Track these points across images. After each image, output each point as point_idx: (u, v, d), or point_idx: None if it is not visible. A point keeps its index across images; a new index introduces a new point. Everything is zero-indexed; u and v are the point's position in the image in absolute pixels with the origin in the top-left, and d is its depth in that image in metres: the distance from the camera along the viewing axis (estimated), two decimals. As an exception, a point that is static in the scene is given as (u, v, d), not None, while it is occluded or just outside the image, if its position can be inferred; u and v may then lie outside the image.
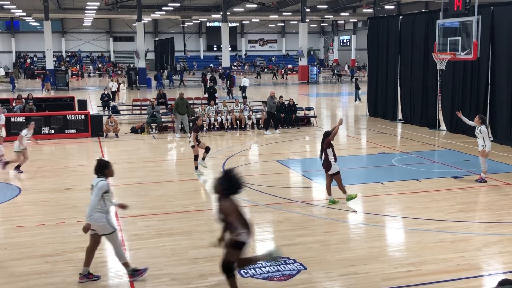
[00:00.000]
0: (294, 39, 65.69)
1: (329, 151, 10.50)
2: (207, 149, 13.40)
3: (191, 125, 15.05)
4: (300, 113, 22.36)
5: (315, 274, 7.30)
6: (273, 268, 7.45)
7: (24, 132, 14.17)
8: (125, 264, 7.19)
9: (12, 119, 18.77)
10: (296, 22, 56.54)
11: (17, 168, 13.85)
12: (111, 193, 7.28)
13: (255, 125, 21.05)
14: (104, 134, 19.28)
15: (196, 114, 18.60)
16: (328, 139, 10.51)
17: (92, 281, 7.08)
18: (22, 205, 10.84)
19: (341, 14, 58.67)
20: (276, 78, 49.17)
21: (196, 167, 13.38)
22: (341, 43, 75.77)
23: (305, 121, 22.07)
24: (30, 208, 10.59)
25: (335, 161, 10.51)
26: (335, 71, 53.26)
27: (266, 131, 19.89)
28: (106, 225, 7.05)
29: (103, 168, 7.27)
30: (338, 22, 72.50)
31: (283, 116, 21.05)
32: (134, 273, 7.14)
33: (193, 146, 13.28)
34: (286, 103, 21.85)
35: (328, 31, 79.24)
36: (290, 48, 75.91)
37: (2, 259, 7.88)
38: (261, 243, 8.70)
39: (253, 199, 11.00)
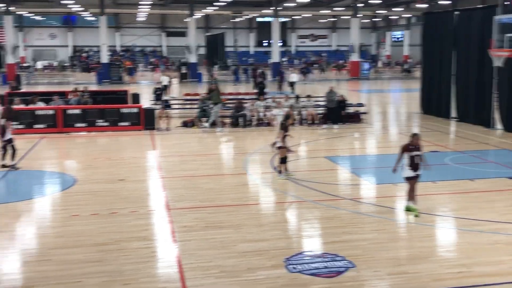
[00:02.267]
0: (345, 35, 64.93)
1: (407, 155, 9.80)
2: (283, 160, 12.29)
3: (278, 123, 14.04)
4: (350, 110, 22.13)
5: (364, 272, 7.26)
6: (321, 264, 7.45)
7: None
8: None
9: (69, 111, 19.40)
10: (348, 17, 55.89)
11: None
12: None
13: (303, 121, 20.97)
14: (158, 127, 19.66)
15: (287, 112, 16.37)
16: (405, 144, 9.84)
17: None
18: (77, 194, 11.20)
19: (394, 9, 57.60)
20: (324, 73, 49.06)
21: (280, 171, 12.41)
22: (394, 39, 74.41)
23: (355, 118, 21.82)
24: (85, 198, 10.93)
25: (413, 167, 9.68)
26: (405, 67, 52.75)
27: (324, 125, 19.98)
28: None
29: None
30: (391, 17, 71.19)
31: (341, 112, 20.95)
32: None
33: (280, 147, 12.26)
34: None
35: (380, 26, 77.94)
36: (341, 43, 75.13)
37: (58, 247, 8.19)
38: (309, 239, 8.71)
39: (301, 195, 11.00)
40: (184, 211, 9.95)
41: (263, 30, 72.91)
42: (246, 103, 21.89)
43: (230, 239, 8.47)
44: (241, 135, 19.10)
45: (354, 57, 48.25)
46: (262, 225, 9.20)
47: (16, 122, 13.94)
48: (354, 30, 47.58)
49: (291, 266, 7.37)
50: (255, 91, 28.49)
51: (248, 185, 12.32)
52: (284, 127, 12.39)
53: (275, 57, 47.51)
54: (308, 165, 14.42)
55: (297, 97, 22.52)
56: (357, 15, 47.16)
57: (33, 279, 7.03)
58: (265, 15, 64.06)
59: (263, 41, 74.83)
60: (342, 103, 21.09)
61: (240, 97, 25.10)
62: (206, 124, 19.67)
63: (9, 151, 13.49)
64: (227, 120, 20.87)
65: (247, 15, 65.77)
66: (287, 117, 13.45)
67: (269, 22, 53.90)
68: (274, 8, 46.86)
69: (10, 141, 13.40)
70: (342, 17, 68.63)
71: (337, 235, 8.67)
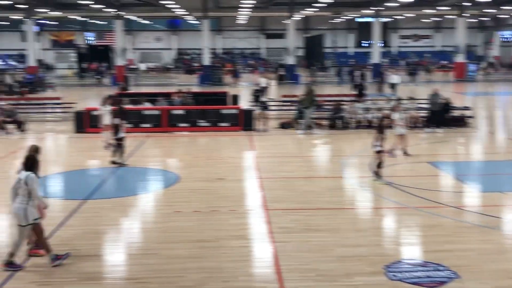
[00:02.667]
0: (450, 35, 62.26)
1: None
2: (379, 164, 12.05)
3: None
4: (455, 113, 21.19)
5: (469, 284, 6.92)
6: (423, 273, 7.20)
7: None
8: (11, 254, 7.46)
9: (173, 112, 20.20)
10: (453, 17, 53.59)
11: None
12: (39, 186, 7.61)
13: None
14: (256, 128, 19.94)
15: (381, 114, 16.36)
16: None
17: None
18: (180, 192, 11.62)
19: (503, 7, 54.39)
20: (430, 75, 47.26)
21: (378, 174, 12.14)
22: (503, 39, 70.28)
23: (461, 122, 20.84)
24: (187, 195, 11.33)
25: None
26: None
27: (427, 129, 19.36)
28: (24, 217, 7.41)
29: (34, 164, 7.63)
30: (499, 16, 67.29)
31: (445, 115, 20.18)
32: (10, 265, 7.41)
33: (379, 151, 11.94)
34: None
35: (488, 26, 73.93)
36: (446, 44, 72.14)
37: (162, 241, 8.55)
38: (410, 247, 8.44)
39: (403, 201, 10.70)
40: (281, 212, 10.02)
41: (363, 31, 71.63)
42: (344, 104, 21.65)
43: (328, 242, 8.41)
44: (339, 137, 18.90)
45: (460, 58, 46.15)
46: (360, 230, 9.05)
47: (125, 121, 14.89)
48: (460, 30, 45.55)
49: (391, 273, 7.19)
50: (354, 92, 28.11)
51: (345, 189, 12.18)
52: (381, 130, 12.07)
53: (375, 58, 46.58)
54: (409, 170, 13.98)
55: (399, 99, 21.91)
56: (463, 15, 45.06)
57: (139, 271, 7.39)
58: (365, 15, 62.95)
59: (363, 42, 73.58)
60: (447, 106, 20.26)
61: (338, 98, 24.87)
62: (299, 131, 19.49)
63: (119, 149, 14.27)
64: (324, 122, 20.74)
65: (347, 16, 64.92)
66: (383, 118, 13.11)
67: (369, 23, 52.92)
68: (375, 8, 45.96)
69: (121, 139, 14.19)
70: (447, 17, 65.89)
71: (439, 244, 8.33)
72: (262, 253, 8.13)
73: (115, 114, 14.65)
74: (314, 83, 40.31)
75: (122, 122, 14.27)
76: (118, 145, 14.18)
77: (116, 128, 14.22)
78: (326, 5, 47.31)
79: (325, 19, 70.10)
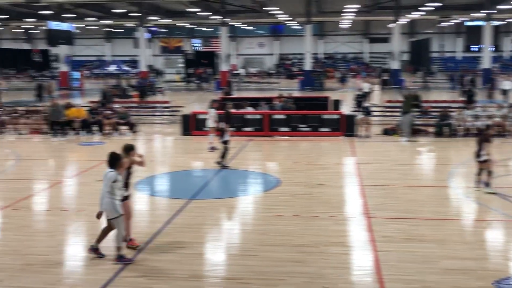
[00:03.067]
0: None
1: None
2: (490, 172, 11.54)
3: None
4: None
5: None
6: (538, 292, 6.74)
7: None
8: (118, 248, 7.88)
9: (274, 116, 20.43)
10: None
11: None
12: (119, 183, 7.92)
13: (518, 133, 19.19)
14: (358, 134, 19.67)
15: (487, 123, 15.91)
16: None
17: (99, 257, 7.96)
18: (280, 195, 11.72)
19: None
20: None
21: (487, 184, 11.56)
22: None
23: None
24: (288, 199, 11.40)
25: None
26: None
27: None
28: (112, 210, 7.80)
29: (115, 161, 7.90)
30: None
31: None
32: (120, 259, 7.82)
33: (485, 161, 11.48)
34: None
35: None
36: None
37: (263, 243, 8.67)
38: (523, 263, 7.94)
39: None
40: (384, 220, 9.80)
41: (472, 35, 68.18)
42: (452, 111, 20.76)
43: (433, 254, 8.10)
44: (446, 145, 18.15)
45: None
46: (467, 243, 8.64)
47: (230, 125, 15.41)
48: None
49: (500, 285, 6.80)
50: (463, 99, 26.89)
51: (452, 199, 11.67)
52: (486, 139, 11.52)
53: (485, 63, 44.26)
54: (522, 182, 13.14)
55: (511, 106, 20.69)
56: None
57: (240, 272, 7.55)
58: (475, 19, 60.07)
59: (472, 46, 70.13)
60: None
61: (445, 105, 23.91)
62: (402, 139, 18.89)
63: (223, 152, 14.67)
64: (431, 129, 20.01)
65: (455, 19, 62.24)
66: (488, 127, 12.51)
67: (479, 26, 50.35)
68: (486, 11, 43.67)
69: (226, 142, 14.59)
70: None
71: (557, 262, 7.76)
72: (363, 261, 8.00)
73: (221, 118, 15.09)
74: (422, 88, 39.02)
75: (227, 126, 14.68)
76: (224, 148, 14.59)
77: (222, 132, 14.68)
78: (433, 8, 45.70)
79: (432, 23, 67.66)
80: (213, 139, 16.64)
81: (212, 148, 16.67)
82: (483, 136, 11.77)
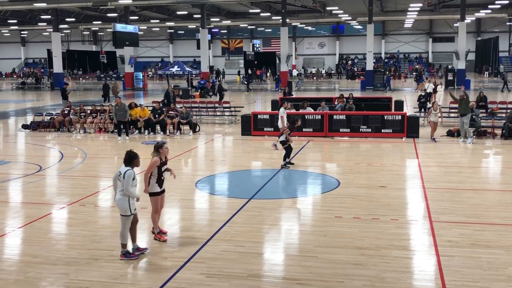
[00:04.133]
0: None
1: None
2: None
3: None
4: None
5: None
6: None
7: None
8: (123, 245, 8.10)
9: (334, 117, 20.25)
10: None
11: None
12: (136, 180, 8.17)
13: None
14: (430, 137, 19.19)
15: None
16: None
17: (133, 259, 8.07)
18: (341, 197, 11.61)
19: None
20: None
21: None
22: None
23: None
24: (348, 200, 11.28)
25: None
26: None
27: None
28: (127, 207, 7.97)
29: (132, 159, 8.10)
30: None
31: None
32: (127, 254, 8.07)
33: None
34: None
35: None
36: None
37: (322, 245, 8.60)
38: None
39: None
40: (448, 224, 9.52)
41: (545, 33, 65.36)
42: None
43: (499, 260, 7.80)
44: (515, 148, 17.43)
45: None
46: (537, 250, 8.26)
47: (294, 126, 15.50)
48: None
49: None
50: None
51: (521, 204, 11.20)
52: None
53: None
54: None
55: None
56: None
57: (299, 273, 7.53)
58: (547, 16, 57.42)
59: (544, 45, 67.01)
60: None
61: (514, 106, 23.02)
62: (468, 140, 18.25)
63: (286, 152, 14.72)
64: (497, 131, 19.28)
65: (526, 17, 59.69)
66: None
67: (553, 23, 48.06)
68: (560, 7, 41.62)
69: (284, 143, 14.64)
70: None
71: None
72: (426, 265, 7.80)
73: (289, 118, 15.14)
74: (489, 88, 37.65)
75: (285, 127, 14.71)
76: (288, 147, 14.66)
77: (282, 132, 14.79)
78: (500, 6, 44.03)
79: (500, 21, 65.18)
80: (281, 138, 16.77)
81: (276, 147, 16.86)
82: None
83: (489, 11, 49.13)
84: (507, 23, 65.66)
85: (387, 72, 54.51)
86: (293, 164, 14.74)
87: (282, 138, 14.69)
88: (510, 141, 18.39)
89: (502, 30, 66.94)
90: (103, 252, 8.43)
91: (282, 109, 17.23)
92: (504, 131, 18.97)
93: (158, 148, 8.84)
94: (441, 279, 7.20)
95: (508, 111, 20.52)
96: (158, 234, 8.93)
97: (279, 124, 16.86)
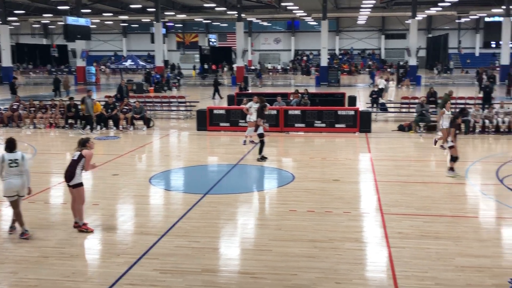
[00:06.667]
0: None
1: None
2: (454, 159, 12.73)
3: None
4: None
5: None
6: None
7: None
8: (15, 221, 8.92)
9: (290, 112, 20.38)
10: None
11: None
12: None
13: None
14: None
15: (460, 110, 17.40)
16: None
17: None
18: (295, 191, 11.71)
19: None
20: None
21: (452, 169, 12.79)
22: None
23: None
24: (302, 194, 11.39)
25: None
26: None
27: None
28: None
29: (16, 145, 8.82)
30: None
31: None
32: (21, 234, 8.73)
33: (452, 147, 12.69)
34: None
35: None
36: None
37: (277, 238, 8.67)
38: (540, 261, 7.85)
39: (532, 212, 9.97)
40: (398, 217, 9.75)
41: (491, 31, 67.61)
42: (470, 108, 20.57)
43: (447, 251, 8.04)
44: (462, 142, 17.92)
45: None
46: (482, 240, 8.56)
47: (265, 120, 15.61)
48: None
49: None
50: (481, 95, 26.62)
51: (468, 196, 11.57)
52: (455, 125, 12.78)
53: (504, 60, 43.69)
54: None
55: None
56: None
57: (254, 267, 7.57)
58: (494, 15, 59.41)
59: (491, 42, 69.35)
60: None
61: (463, 101, 23.73)
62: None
63: (261, 145, 14.87)
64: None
65: (474, 15, 61.65)
66: (456, 116, 13.15)
67: (498, 22, 49.77)
68: (505, 7, 43.10)
69: (262, 135, 14.84)
70: None
71: None
72: (377, 257, 7.97)
73: (259, 113, 15.19)
74: (439, 84, 38.67)
75: (261, 120, 14.86)
76: (261, 141, 14.79)
77: (257, 125, 15.03)
78: (450, 3, 45.26)
79: (450, 19, 67.04)
80: (250, 133, 16.87)
81: (251, 142, 16.90)
82: (451, 124, 12.89)
83: (440, 8, 50.41)
84: (457, 21, 67.57)
85: (372, 67, 55.39)
86: (267, 158, 14.77)
87: (260, 130, 14.76)
88: (459, 135, 18.87)
89: (452, 28, 68.86)
90: (54, 249, 8.24)
91: (251, 103, 17.32)
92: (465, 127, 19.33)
93: (85, 142, 9.17)
94: (391, 270, 7.37)
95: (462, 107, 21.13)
96: (85, 226, 9.05)
97: (251, 118, 16.90)
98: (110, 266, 7.64)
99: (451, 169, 12.83)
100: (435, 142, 15.15)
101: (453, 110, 20.34)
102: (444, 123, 15.30)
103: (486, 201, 11.01)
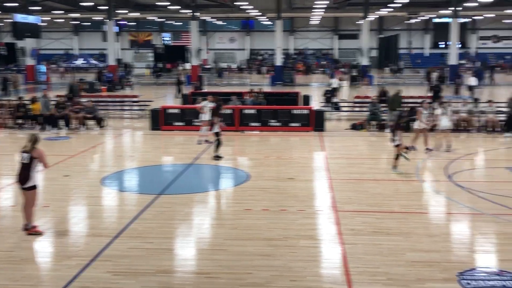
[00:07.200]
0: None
1: None
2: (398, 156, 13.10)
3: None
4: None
5: (549, 296, 6.58)
6: (499, 283, 6.92)
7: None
8: None
9: (245, 111, 20.41)
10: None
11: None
12: None
13: (483, 128, 19.64)
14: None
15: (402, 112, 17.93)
16: None
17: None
18: (251, 190, 11.73)
19: None
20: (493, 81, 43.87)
21: (395, 166, 13.16)
22: None
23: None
24: (257, 193, 11.43)
25: None
26: None
27: (506, 133, 18.67)
28: None
29: None
30: None
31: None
32: None
33: (398, 145, 13.02)
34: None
35: None
36: (529, 45, 68.79)
37: (232, 238, 8.68)
38: (485, 254, 8.13)
39: (479, 207, 10.31)
40: (351, 214, 9.91)
41: (440, 31, 69.50)
42: (419, 107, 21.05)
43: (399, 247, 8.24)
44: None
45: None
46: (433, 236, 8.80)
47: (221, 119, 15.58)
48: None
49: (465, 281, 6.95)
50: (430, 94, 27.34)
51: (419, 192, 11.86)
52: (400, 126, 13.18)
53: (452, 60, 45.05)
54: (486, 176, 13.47)
55: (476, 100, 21.09)
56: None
57: (209, 266, 7.55)
58: (443, 16, 61.11)
59: (440, 43, 71.37)
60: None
61: (412, 100, 24.29)
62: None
63: (217, 144, 14.87)
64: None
65: (423, 16, 63.26)
66: (400, 117, 13.80)
67: (447, 23, 51.26)
68: (453, 8, 44.44)
69: (218, 134, 14.83)
70: (531, 16, 62.79)
71: (518, 253, 7.98)
72: (331, 254, 8.08)
73: (214, 111, 15.15)
74: (391, 84, 39.50)
75: (217, 118, 14.84)
76: (217, 140, 14.78)
77: (212, 124, 15.04)
78: (401, 4, 46.30)
79: (401, 20, 68.59)
80: (205, 132, 16.79)
81: (206, 141, 16.81)
82: (396, 124, 13.23)
83: (391, 9, 51.50)
84: (407, 22, 69.19)
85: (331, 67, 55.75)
86: (223, 157, 14.74)
87: (216, 129, 14.71)
88: (410, 134, 19.35)
89: (402, 28, 70.46)
90: (3, 253, 7.99)
91: (205, 102, 17.27)
92: (404, 124, 19.87)
93: (37, 140, 8.92)
94: (345, 266, 7.49)
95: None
96: (34, 228, 8.83)
97: (205, 117, 16.85)
98: (61, 269, 7.46)
99: (394, 167, 13.16)
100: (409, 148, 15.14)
101: (400, 109, 20.89)
102: (421, 123, 15.44)
103: (435, 197, 11.32)
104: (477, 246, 8.52)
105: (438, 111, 16.96)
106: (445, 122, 16.33)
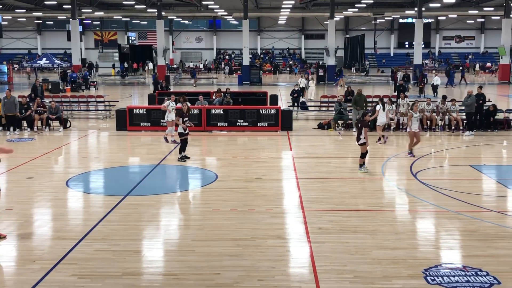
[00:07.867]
0: (495, 36, 60.83)
1: None
2: (363, 155, 13.30)
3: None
4: (500, 116, 20.68)
5: (510, 290, 6.75)
6: (463, 278, 7.06)
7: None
8: None
9: (212, 111, 20.34)
10: (498, 17, 52.29)
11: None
12: None
13: (446, 126, 20.05)
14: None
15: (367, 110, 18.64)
16: None
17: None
18: (218, 190, 11.70)
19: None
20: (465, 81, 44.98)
21: (362, 165, 13.34)
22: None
23: (505, 125, 20.34)
24: (225, 193, 11.40)
25: None
26: None
27: (468, 132, 19.14)
28: None
29: None
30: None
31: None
32: None
33: (363, 144, 13.17)
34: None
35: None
36: (490, 45, 70.50)
37: (200, 239, 8.63)
38: (450, 251, 8.29)
39: (443, 204, 10.51)
40: (318, 212, 9.98)
41: (405, 31, 70.82)
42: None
43: (365, 244, 8.32)
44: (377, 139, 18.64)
45: (505, 60, 44.96)
46: (398, 233, 8.93)
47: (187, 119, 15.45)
48: (505, 31, 44.32)
49: (429, 277, 7.07)
50: (395, 94, 27.76)
51: (384, 191, 12.02)
52: (364, 124, 13.20)
53: (417, 59, 45.83)
54: (450, 173, 13.74)
55: (444, 98, 21.47)
56: (510, 16, 43.86)
57: (176, 268, 7.49)
58: (407, 16, 62.17)
59: (405, 43, 72.58)
60: (494, 112, 19.96)
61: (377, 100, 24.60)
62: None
63: (182, 144, 14.79)
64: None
65: (389, 16, 64.25)
66: (364, 114, 14.00)
67: (411, 23, 52.17)
68: (417, 8, 45.23)
69: (182, 135, 14.72)
70: (492, 18, 64.39)
71: (480, 249, 8.15)
72: (298, 253, 8.12)
73: (180, 112, 15.02)
74: (358, 83, 39.94)
75: (183, 119, 14.70)
76: (185, 140, 14.73)
77: (177, 125, 14.95)
78: (366, 5, 46.91)
79: (366, 20, 69.48)
80: (171, 132, 16.73)
81: (174, 142, 16.70)
82: (362, 122, 13.37)
83: (356, 9, 52.15)
84: (372, 22, 70.13)
85: (305, 67, 55.78)
86: (189, 158, 14.64)
87: (180, 129, 14.57)
88: (375, 132, 19.61)
89: (368, 28, 71.38)
90: (-38, 259, 7.77)
91: (168, 102, 17.19)
92: (370, 123, 20.01)
93: None
94: (312, 265, 7.53)
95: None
96: None
97: (170, 117, 16.76)
98: (25, 273, 7.29)
99: (361, 165, 13.33)
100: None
101: (369, 108, 21.15)
102: (413, 126, 15.14)
103: (400, 195, 11.48)
104: (441, 242, 8.68)
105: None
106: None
